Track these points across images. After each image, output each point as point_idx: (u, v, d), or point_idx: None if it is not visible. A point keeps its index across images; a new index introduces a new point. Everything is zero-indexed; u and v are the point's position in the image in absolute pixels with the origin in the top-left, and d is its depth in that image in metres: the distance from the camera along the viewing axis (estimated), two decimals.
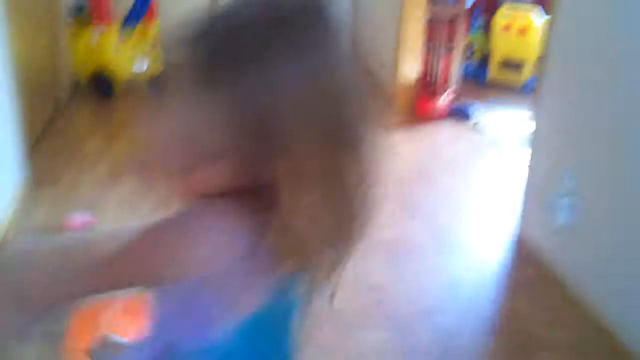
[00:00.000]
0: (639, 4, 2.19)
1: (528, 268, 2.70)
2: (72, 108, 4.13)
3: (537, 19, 4.86)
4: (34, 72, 3.47)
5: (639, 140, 2.17)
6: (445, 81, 4.71)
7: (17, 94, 2.92)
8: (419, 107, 4.59)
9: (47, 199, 2.90)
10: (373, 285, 2.46)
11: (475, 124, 4.53)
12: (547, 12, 3.78)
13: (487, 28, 5.30)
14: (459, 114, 4.61)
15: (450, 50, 4.68)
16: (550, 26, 2.76)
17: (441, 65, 4.69)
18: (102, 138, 3.65)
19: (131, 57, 4.29)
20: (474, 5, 5.19)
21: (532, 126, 2.95)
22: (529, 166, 2.93)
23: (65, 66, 4.24)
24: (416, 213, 3.15)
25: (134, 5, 4.35)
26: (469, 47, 5.25)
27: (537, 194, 2.82)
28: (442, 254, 2.79)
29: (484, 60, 5.33)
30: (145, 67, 4.32)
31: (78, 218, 2.65)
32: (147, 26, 4.37)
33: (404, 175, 3.63)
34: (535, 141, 2.91)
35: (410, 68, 4.69)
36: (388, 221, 2.97)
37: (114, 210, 2.78)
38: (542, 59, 2.85)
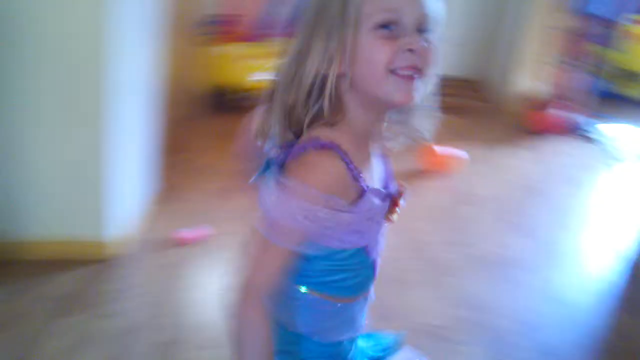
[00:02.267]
0: None
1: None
2: (195, 122, 4.24)
3: None
4: (171, 87, 3.53)
5: None
6: (566, 94, 4.55)
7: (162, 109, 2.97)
8: (534, 121, 4.47)
9: (166, 212, 2.91)
10: (473, 301, 2.41)
11: (594, 138, 4.35)
12: None
13: (605, 41, 5.04)
14: (575, 128, 4.45)
15: (573, 62, 4.52)
16: None
17: (563, 77, 4.54)
18: (218, 152, 3.74)
19: (251, 72, 4.21)
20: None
21: None
22: None
23: (190, 81, 4.36)
24: (525, 229, 3.07)
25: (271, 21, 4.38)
26: (592, 59, 5.03)
27: None
28: (550, 270, 2.70)
29: (607, 73, 5.07)
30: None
31: (192, 232, 2.67)
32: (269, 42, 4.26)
33: (515, 191, 3.54)
34: None
35: (527, 80, 4.58)
36: (494, 236, 2.92)
37: (226, 224, 2.77)
38: None
